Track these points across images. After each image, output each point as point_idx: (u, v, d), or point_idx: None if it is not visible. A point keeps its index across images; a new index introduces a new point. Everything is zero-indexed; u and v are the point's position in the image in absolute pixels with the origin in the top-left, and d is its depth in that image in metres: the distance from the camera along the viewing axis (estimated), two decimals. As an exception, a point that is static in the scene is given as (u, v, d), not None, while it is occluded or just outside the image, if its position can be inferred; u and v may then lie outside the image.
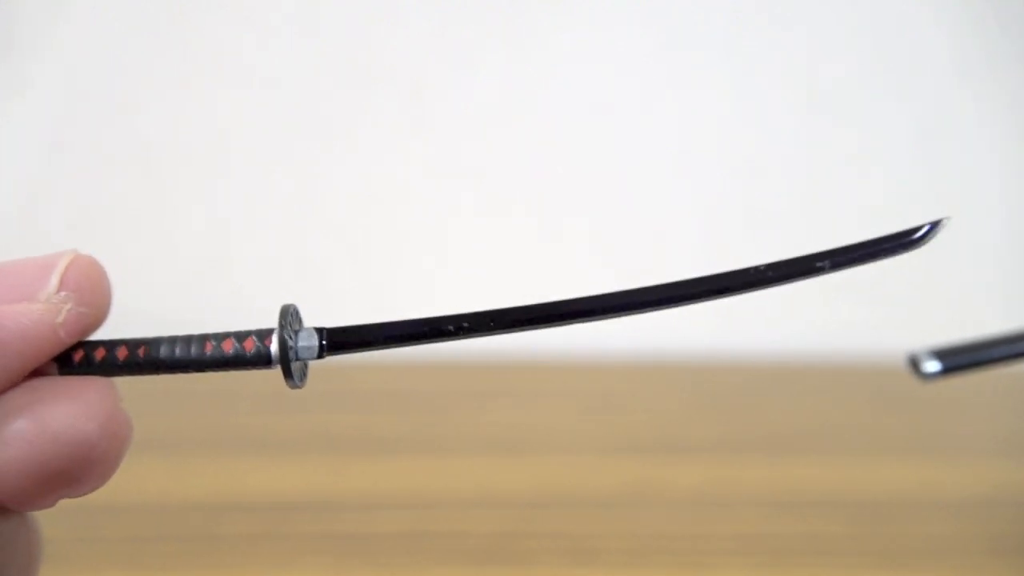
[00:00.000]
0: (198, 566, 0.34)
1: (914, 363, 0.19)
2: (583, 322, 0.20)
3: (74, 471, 0.19)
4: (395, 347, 0.19)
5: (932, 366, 0.19)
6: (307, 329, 0.20)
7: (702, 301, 0.20)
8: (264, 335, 0.19)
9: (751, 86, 0.60)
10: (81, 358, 0.20)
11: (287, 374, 0.19)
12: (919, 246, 0.19)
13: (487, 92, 0.59)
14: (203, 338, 0.20)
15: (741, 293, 0.19)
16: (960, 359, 0.19)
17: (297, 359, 0.19)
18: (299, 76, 0.59)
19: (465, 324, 0.19)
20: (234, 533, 0.36)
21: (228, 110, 0.59)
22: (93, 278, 0.20)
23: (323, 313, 0.67)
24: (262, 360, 0.19)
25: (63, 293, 0.20)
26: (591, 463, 0.44)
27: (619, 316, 0.20)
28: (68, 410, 0.19)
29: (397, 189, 0.60)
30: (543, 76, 0.59)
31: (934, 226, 0.19)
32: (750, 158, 0.60)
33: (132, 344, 0.20)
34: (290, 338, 0.19)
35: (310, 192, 0.60)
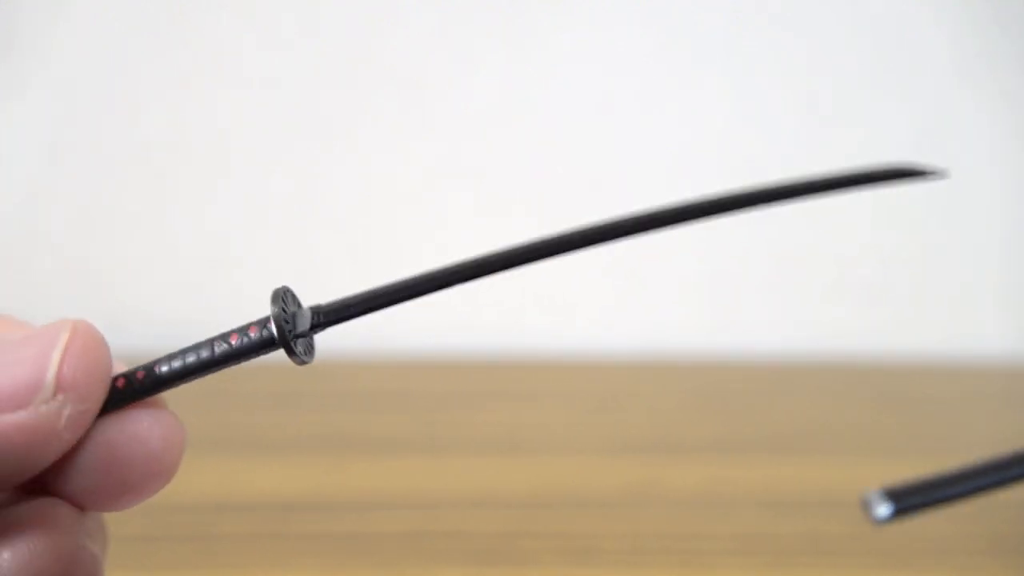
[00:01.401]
0: (197, 566, 0.34)
1: (865, 506, 0.18)
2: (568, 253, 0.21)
3: (143, 483, 0.20)
4: (389, 306, 0.20)
5: (884, 510, 0.18)
6: (302, 309, 0.20)
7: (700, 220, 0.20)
8: (263, 321, 0.20)
9: (751, 86, 0.60)
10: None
11: (290, 351, 0.20)
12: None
13: (487, 92, 0.59)
14: (210, 341, 0.20)
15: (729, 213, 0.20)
16: (915, 500, 0.18)
17: (295, 335, 0.20)
18: (299, 76, 0.59)
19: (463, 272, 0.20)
20: (233, 533, 0.36)
21: (228, 110, 0.59)
22: (92, 364, 0.19)
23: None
24: (265, 343, 0.20)
25: (60, 396, 0.18)
26: (591, 463, 0.44)
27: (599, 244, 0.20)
28: (133, 450, 0.20)
29: (397, 189, 0.60)
30: (543, 76, 0.60)
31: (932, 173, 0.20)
32: (750, 158, 0.60)
33: (148, 367, 0.20)
34: (286, 317, 0.20)
35: (310, 192, 0.60)
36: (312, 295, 0.68)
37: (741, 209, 0.20)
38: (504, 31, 0.59)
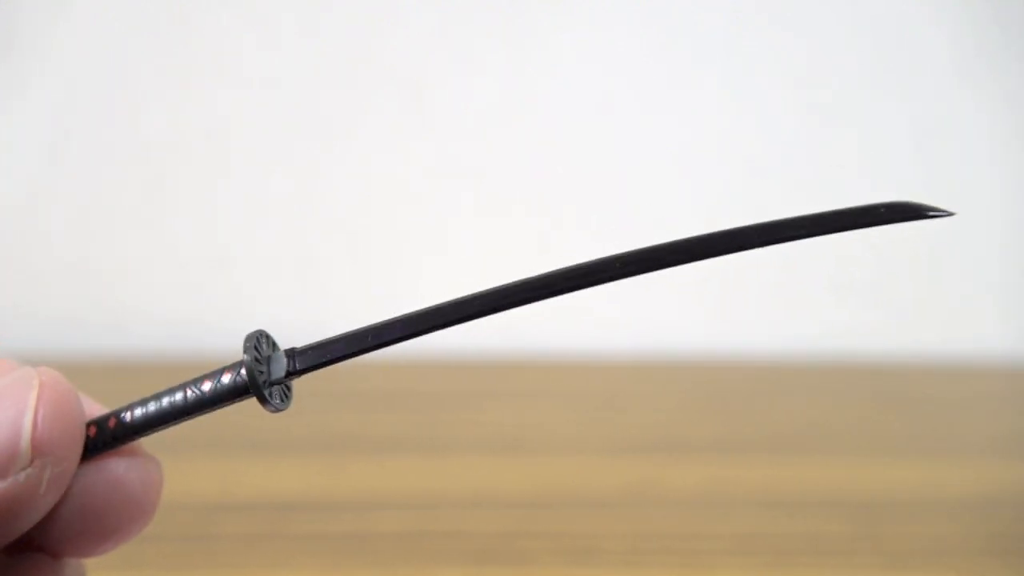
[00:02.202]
0: (196, 566, 0.34)
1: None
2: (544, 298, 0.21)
3: (123, 528, 0.20)
4: (368, 352, 0.19)
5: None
6: (277, 354, 0.19)
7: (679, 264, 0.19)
8: (236, 366, 0.19)
9: (751, 86, 0.60)
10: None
11: (263, 400, 0.19)
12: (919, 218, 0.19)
13: (487, 92, 0.59)
14: (183, 387, 0.19)
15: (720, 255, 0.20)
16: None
17: (270, 383, 0.19)
18: (299, 76, 0.59)
19: (440, 320, 0.19)
20: (232, 533, 0.36)
21: (228, 110, 0.59)
22: (65, 422, 0.18)
23: (323, 313, 0.67)
24: (237, 391, 0.19)
25: (38, 461, 0.18)
26: (591, 463, 0.44)
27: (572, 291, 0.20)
28: (113, 497, 0.19)
29: (397, 189, 0.60)
30: (543, 76, 0.60)
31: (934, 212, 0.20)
32: (750, 158, 0.60)
33: (118, 413, 0.20)
34: (260, 364, 0.19)
35: (310, 192, 0.60)
36: (312, 295, 0.68)
37: (738, 248, 0.20)
38: (504, 31, 0.59)
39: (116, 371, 0.56)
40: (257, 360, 0.19)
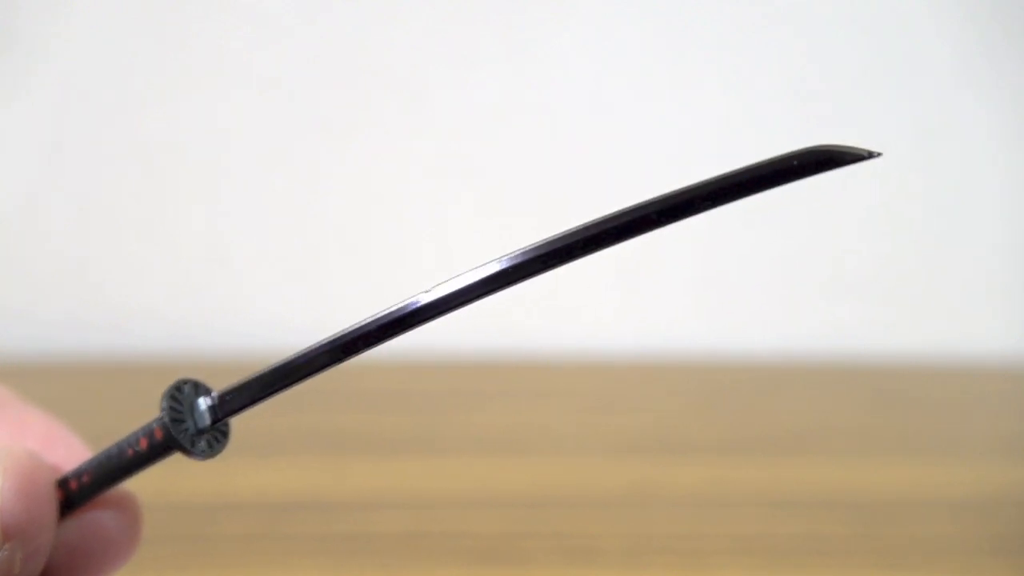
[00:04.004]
0: (196, 566, 0.34)
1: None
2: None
3: (103, 569, 0.20)
4: (295, 386, 0.19)
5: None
6: (198, 403, 0.19)
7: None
8: (159, 423, 0.19)
9: (751, 86, 0.60)
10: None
11: (186, 452, 0.19)
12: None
13: (487, 92, 0.59)
14: (125, 444, 0.19)
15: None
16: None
17: (198, 432, 0.19)
18: (299, 76, 0.59)
19: (372, 336, 0.18)
20: (233, 533, 0.36)
21: (228, 110, 0.59)
22: (34, 504, 0.18)
23: (323, 313, 0.67)
24: (161, 448, 0.19)
25: (7, 546, 0.18)
26: (591, 463, 0.44)
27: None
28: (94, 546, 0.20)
29: (397, 188, 0.60)
30: (543, 76, 0.60)
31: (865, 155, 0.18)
32: (750, 158, 0.60)
33: (79, 473, 0.20)
34: (179, 419, 0.19)
35: (310, 192, 0.60)
36: (312, 295, 0.68)
37: (630, 235, 0.17)
38: (504, 31, 0.59)
39: (116, 371, 0.56)
40: (177, 418, 0.19)
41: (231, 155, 0.60)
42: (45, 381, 0.53)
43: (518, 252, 0.17)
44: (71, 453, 0.21)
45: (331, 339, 0.18)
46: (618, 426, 0.49)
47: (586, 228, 0.17)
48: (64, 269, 0.60)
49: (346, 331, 0.18)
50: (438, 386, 0.55)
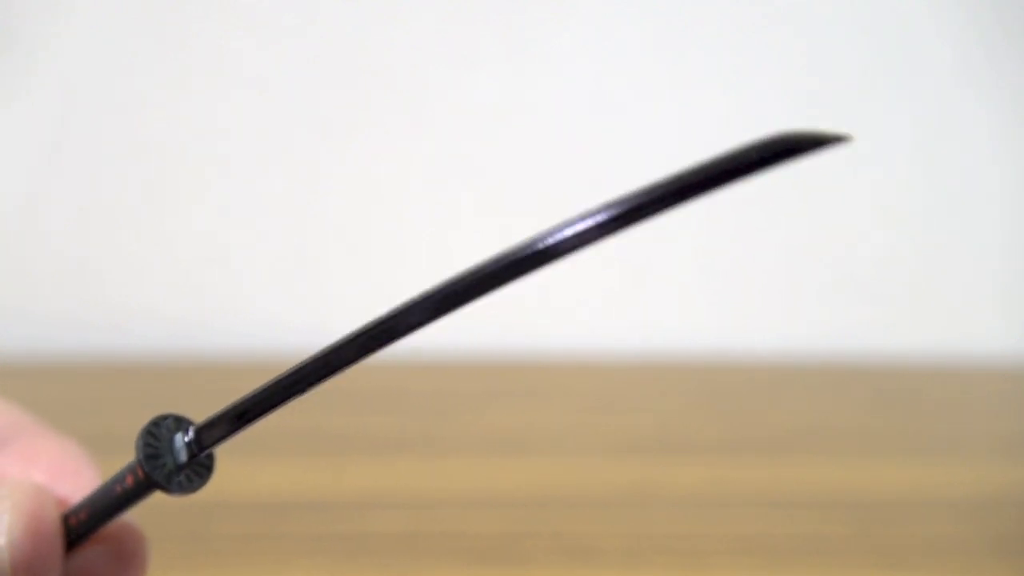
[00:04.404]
0: (197, 566, 0.34)
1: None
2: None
3: None
4: (272, 412, 0.18)
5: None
6: (175, 440, 0.19)
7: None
8: (132, 467, 0.19)
9: (751, 86, 0.60)
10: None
11: (165, 491, 0.19)
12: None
13: (487, 92, 0.59)
14: (115, 481, 0.20)
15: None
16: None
17: (178, 469, 0.19)
18: (299, 76, 0.59)
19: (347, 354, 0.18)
20: (232, 533, 0.36)
21: (228, 110, 0.59)
22: (41, 540, 0.19)
23: (323, 313, 0.67)
24: (145, 485, 0.19)
25: None
26: (591, 463, 0.44)
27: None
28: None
29: (397, 188, 0.60)
30: (543, 76, 0.60)
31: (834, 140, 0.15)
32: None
33: (77, 511, 0.20)
34: (156, 457, 0.19)
35: (310, 192, 0.60)
36: (312, 295, 0.68)
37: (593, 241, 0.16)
38: (504, 31, 0.59)
39: (116, 371, 0.56)
40: (152, 454, 0.19)
41: (231, 155, 0.60)
42: (45, 381, 0.53)
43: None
44: (81, 481, 0.21)
45: (317, 356, 0.18)
46: (618, 426, 0.49)
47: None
48: (64, 269, 0.60)
49: (331, 347, 0.18)
50: (438, 386, 0.55)
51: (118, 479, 0.19)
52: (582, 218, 0.16)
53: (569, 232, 0.16)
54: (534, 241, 0.17)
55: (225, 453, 0.20)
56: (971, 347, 0.60)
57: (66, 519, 0.20)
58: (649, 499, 0.40)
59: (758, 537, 0.36)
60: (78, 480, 0.21)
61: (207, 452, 0.19)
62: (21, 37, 0.58)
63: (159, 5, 0.58)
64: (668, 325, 0.62)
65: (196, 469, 0.19)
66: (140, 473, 0.19)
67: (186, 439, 0.19)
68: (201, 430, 0.19)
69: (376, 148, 0.60)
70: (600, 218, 0.16)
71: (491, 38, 0.59)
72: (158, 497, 0.20)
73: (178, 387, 0.52)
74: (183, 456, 0.19)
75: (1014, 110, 0.59)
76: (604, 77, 0.60)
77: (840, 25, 0.59)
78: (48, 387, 0.51)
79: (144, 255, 0.61)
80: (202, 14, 0.58)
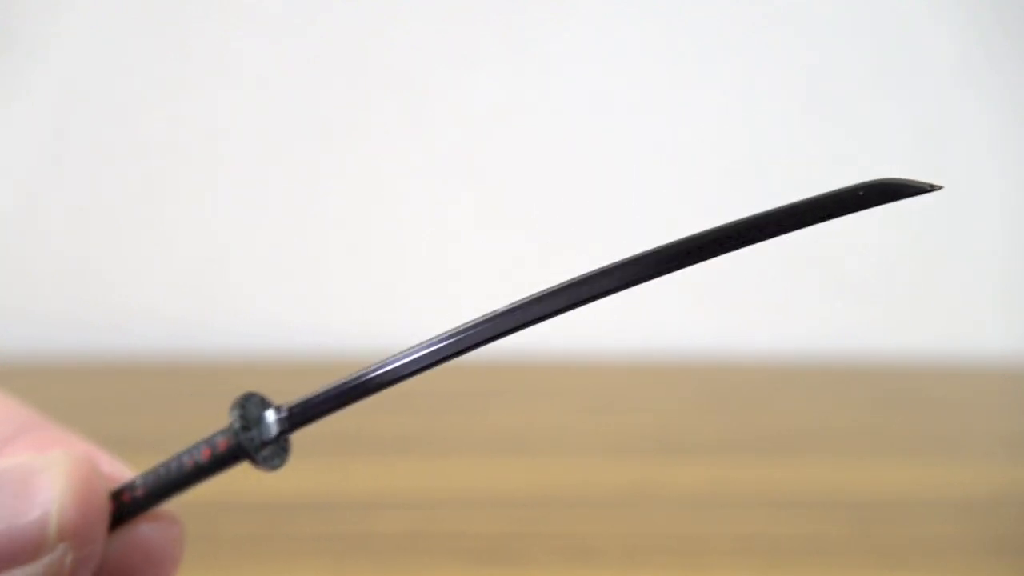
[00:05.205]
0: (197, 566, 0.34)
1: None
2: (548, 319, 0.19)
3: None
4: (361, 401, 0.19)
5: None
6: (266, 415, 0.20)
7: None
8: (227, 433, 0.19)
9: (751, 86, 0.60)
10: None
11: (256, 464, 0.19)
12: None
13: (487, 92, 0.59)
14: (186, 454, 0.20)
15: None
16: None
17: (262, 444, 0.19)
18: (299, 76, 0.59)
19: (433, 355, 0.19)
20: (234, 533, 0.36)
21: (228, 110, 0.59)
22: (91, 509, 0.19)
23: (323, 313, 0.67)
24: (233, 457, 0.19)
25: (62, 545, 0.18)
26: (591, 463, 0.44)
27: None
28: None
29: (397, 188, 0.60)
30: (543, 76, 0.60)
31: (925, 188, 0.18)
32: (751, 158, 0.60)
33: (131, 486, 0.20)
34: (248, 428, 0.19)
35: (310, 192, 0.60)
36: (312, 295, 0.68)
37: (704, 257, 0.19)
38: (504, 31, 0.59)
39: (116, 371, 0.56)
40: (245, 426, 0.19)
41: (231, 155, 0.60)
42: (45, 381, 0.53)
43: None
44: (114, 470, 0.21)
45: (408, 353, 0.19)
46: (618, 426, 0.49)
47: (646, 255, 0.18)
48: (64, 269, 0.60)
49: (426, 343, 0.19)
50: (439, 386, 0.55)
51: (190, 453, 0.20)
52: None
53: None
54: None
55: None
56: (971, 347, 0.60)
57: (118, 495, 0.20)
58: (649, 499, 0.40)
59: (758, 537, 0.36)
60: (111, 467, 0.21)
61: (295, 430, 0.19)
62: (21, 37, 0.58)
63: (159, 5, 0.58)
64: (668, 325, 0.62)
65: (278, 448, 0.20)
66: (224, 446, 0.19)
67: (278, 416, 0.19)
68: (294, 409, 0.19)
69: (376, 148, 0.60)
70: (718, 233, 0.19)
71: (491, 38, 0.59)
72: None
73: (178, 387, 0.52)
74: (272, 432, 0.19)
75: (1014, 110, 0.59)
76: (604, 77, 0.60)
77: (840, 25, 0.59)
78: (48, 387, 0.51)
79: (144, 255, 0.61)
80: (202, 14, 0.58)
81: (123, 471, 0.21)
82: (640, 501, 0.40)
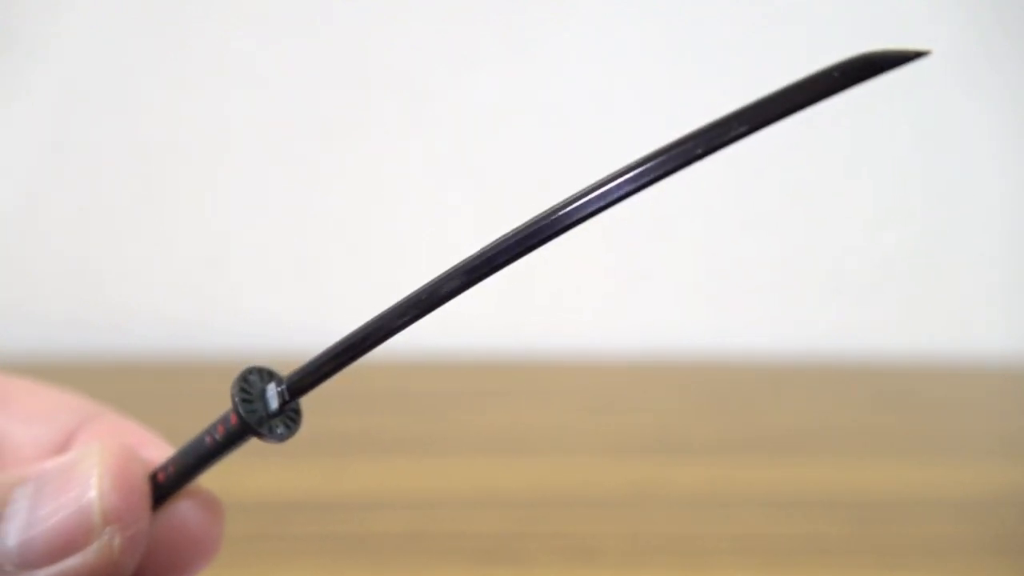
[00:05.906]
0: (198, 566, 0.34)
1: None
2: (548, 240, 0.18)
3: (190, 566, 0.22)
4: (359, 359, 0.19)
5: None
6: (268, 389, 0.20)
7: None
8: (232, 409, 0.20)
9: (751, 86, 0.60)
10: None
11: (260, 437, 0.20)
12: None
13: (487, 92, 0.59)
14: (207, 432, 0.20)
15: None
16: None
17: (269, 417, 0.20)
18: (299, 76, 0.59)
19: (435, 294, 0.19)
20: (234, 533, 0.36)
21: (228, 110, 0.59)
22: (132, 493, 0.19)
23: (323, 313, 0.67)
24: (243, 432, 0.20)
25: (108, 528, 0.19)
26: (591, 463, 0.44)
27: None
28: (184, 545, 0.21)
29: (397, 188, 0.60)
30: (543, 76, 0.60)
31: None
32: (750, 158, 0.60)
33: (165, 466, 0.21)
34: (250, 402, 0.20)
35: (310, 192, 0.60)
36: (312, 295, 0.68)
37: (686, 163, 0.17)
38: (504, 31, 0.59)
39: (116, 371, 0.56)
40: (247, 400, 0.19)
41: (231, 155, 0.60)
42: (45, 381, 0.53)
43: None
44: (160, 449, 0.22)
45: (397, 305, 0.19)
46: (618, 426, 0.49)
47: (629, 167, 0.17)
48: (64, 269, 0.60)
49: (404, 299, 0.19)
50: (438, 386, 0.55)
51: (209, 431, 0.20)
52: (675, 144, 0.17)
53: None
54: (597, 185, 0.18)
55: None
56: (971, 347, 0.60)
57: (154, 477, 0.21)
58: (649, 499, 0.40)
59: (758, 537, 0.37)
60: (159, 450, 0.22)
61: (296, 399, 0.20)
62: (21, 37, 0.58)
63: (159, 5, 0.58)
64: (668, 325, 0.62)
65: (287, 419, 0.20)
66: (235, 421, 0.19)
67: (278, 388, 0.20)
68: (292, 379, 0.20)
69: (376, 148, 0.60)
70: (686, 147, 0.17)
71: (491, 38, 0.59)
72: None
73: (178, 387, 0.52)
74: (274, 404, 0.20)
75: (1014, 110, 0.59)
76: (604, 77, 0.60)
77: (840, 25, 0.59)
78: (48, 387, 0.51)
79: (144, 255, 0.61)
80: (202, 14, 0.58)
81: (167, 449, 0.22)
82: (640, 501, 0.40)
